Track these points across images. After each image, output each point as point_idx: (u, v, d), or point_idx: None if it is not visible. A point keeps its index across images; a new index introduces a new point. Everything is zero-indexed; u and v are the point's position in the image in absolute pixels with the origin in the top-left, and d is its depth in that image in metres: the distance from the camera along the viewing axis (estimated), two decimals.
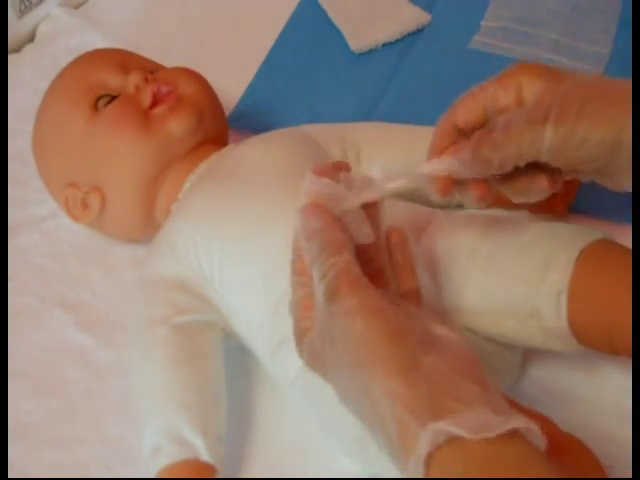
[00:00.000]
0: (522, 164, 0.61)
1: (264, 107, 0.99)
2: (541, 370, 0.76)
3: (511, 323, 0.68)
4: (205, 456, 0.69)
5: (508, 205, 0.85)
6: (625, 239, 0.68)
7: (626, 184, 0.61)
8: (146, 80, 0.84)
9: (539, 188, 0.63)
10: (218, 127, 0.87)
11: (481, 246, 0.70)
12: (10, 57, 1.08)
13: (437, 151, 0.64)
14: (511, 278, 0.68)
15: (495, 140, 0.60)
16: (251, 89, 1.02)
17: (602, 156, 0.59)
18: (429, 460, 0.50)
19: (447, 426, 0.49)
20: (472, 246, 0.71)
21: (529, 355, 0.76)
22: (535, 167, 0.62)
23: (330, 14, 1.07)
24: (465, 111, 0.64)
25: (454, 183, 0.64)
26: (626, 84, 0.60)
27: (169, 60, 0.91)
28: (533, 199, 0.64)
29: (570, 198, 0.84)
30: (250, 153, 0.80)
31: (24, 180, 0.96)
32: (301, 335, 0.58)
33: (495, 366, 0.66)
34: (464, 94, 0.64)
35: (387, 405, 0.52)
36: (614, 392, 0.73)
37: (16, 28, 1.10)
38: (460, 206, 0.84)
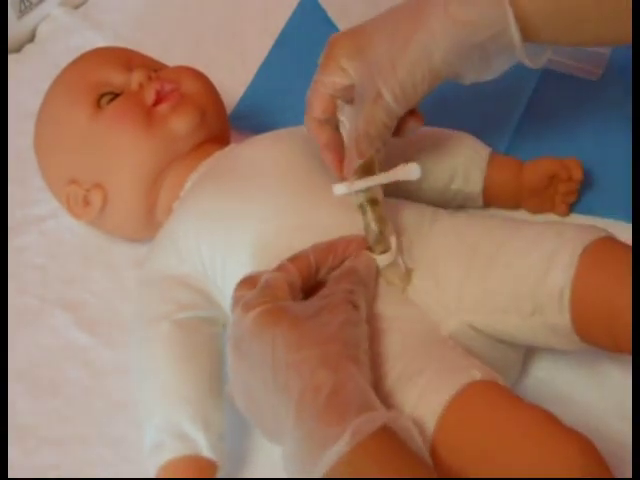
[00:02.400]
0: (392, 129, 0.71)
1: (264, 107, 0.99)
2: (542, 370, 0.76)
3: (514, 320, 0.68)
4: (206, 452, 0.69)
5: (508, 205, 0.86)
6: (625, 239, 0.68)
7: (466, 82, 0.72)
8: (149, 78, 0.84)
9: (413, 127, 0.73)
10: (220, 126, 0.87)
11: (483, 244, 0.71)
12: (10, 57, 1.08)
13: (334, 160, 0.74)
14: (514, 275, 0.68)
15: (365, 133, 0.70)
16: (251, 89, 1.02)
17: (431, 83, 0.69)
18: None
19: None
20: (474, 244, 0.71)
21: (530, 355, 0.76)
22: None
23: (330, 14, 1.07)
24: (319, 106, 0.73)
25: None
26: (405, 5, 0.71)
27: (169, 60, 0.91)
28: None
29: (571, 198, 0.84)
30: (252, 152, 0.80)
31: (24, 180, 0.96)
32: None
33: (497, 365, 0.66)
34: (309, 92, 0.75)
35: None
36: (615, 392, 0.73)
37: (16, 28, 1.10)
38: (461, 206, 0.84)
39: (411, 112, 0.72)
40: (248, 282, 0.67)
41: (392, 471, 0.55)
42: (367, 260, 0.69)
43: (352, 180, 0.71)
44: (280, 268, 0.67)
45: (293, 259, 0.67)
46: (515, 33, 0.66)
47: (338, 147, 0.74)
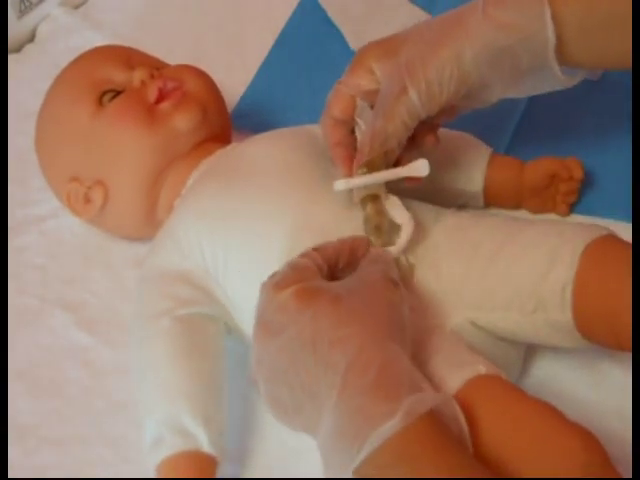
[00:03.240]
0: (410, 133, 0.71)
1: (264, 106, 0.99)
2: (542, 369, 0.76)
3: (516, 317, 0.69)
4: (207, 447, 0.69)
5: (509, 205, 0.86)
6: (625, 239, 0.68)
7: (492, 98, 0.72)
8: (152, 76, 0.84)
9: (428, 143, 0.74)
10: (222, 124, 0.87)
11: (485, 242, 0.71)
12: (10, 57, 1.08)
13: (341, 157, 0.73)
14: (516, 272, 0.69)
15: (382, 130, 0.70)
16: (251, 89, 1.02)
17: (458, 86, 0.69)
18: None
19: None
20: (476, 242, 0.71)
21: (530, 354, 0.76)
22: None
23: (330, 14, 1.07)
24: (338, 106, 0.73)
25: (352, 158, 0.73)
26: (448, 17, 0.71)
27: (169, 60, 0.91)
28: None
29: (572, 198, 0.84)
30: (254, 150, 0.80)
31: (24, 180, 0.96)
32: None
33: (498, 363, 0.66)
34: (331, 92, 0.74)
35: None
36: (615, 392, 0.73)
37: (16, 28, 1.10)
38: (463, 206, 0.84)
39: (431, 128, 0.72)
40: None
41: (437, 456, 0.55)
42: (386, 251, 0.69)
43: (356, 175, 0.71)
44: (306, 254, 0.66)
45: (317, 248, 0.66)
46: (551, 35, 0.67)
47: (349, 146, 0.74)
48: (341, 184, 0.71)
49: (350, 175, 0.72)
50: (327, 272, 0.66)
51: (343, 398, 0.57)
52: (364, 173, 0.71)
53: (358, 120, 0.73)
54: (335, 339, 0.59)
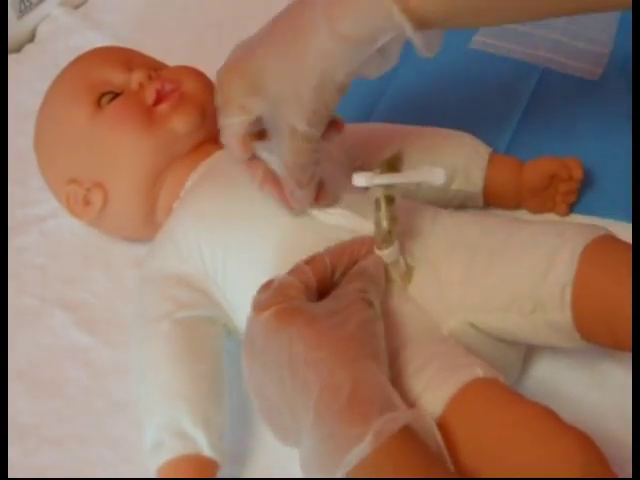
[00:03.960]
0: (318, 145, 0.69)
1: None
2: (542, 370, 0.76)
3: (515, 318, 0.69)
4: (207, 451, 0.69)
5: (509, 205, 0.86)
6: (625, 239, 0.68)
7: (376, 73, 0.70)
8: (150, 78, 0.84)
9: (333, 136, 0.72)
10: None
11: (484, 243, 0.71)
12: (10, 57, 1.08)
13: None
14: (515, 273, 0.69)
15: (295, 164, 0.69)
16: None
17: (338, 96, 0.68)
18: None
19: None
20: (475, 243, 0.71)
21: (530, 355, 0.76)
22: None
23: None
24: (236, 149, 0.72)
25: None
26: None
27: (169, 60, 0.91)
28: None
29: (571, 198, 0.84)
30: None
31: (24, 180, 0.96)
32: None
33: (497, 364, 0.66)
34: (222, 138, 0.73)
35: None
36: (615, 392, 0.73)
37: (16, 28, 1.10)
38: (462, 206, 0.84)
39: (330, 122, 0.70)
40: (267, 287, 0.67)
41: (412, 473, 0.55)
42: (376, 258, 0.69)
43: (375, 173, 0.69)
44: (295, 270, 0.67)
45: (309, 261, 0.67)
46: (410, 33, 0.63)
47: (276, 180, 0.72)
48: (361, 179, 0.69)
49: (291, 208, 0.72)
50: (317, 286, 0.66)
51: (317, 422, 0.58)
52: (382, 172, 0.69)
53: (263, 155, 0.72)
54: (310, 361, 0.60)
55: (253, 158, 0.72)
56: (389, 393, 0.59)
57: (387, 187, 0.69)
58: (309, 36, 0.66)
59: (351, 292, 0.65)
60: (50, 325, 0.85)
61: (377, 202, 0.70)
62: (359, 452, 0.55)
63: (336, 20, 0.64)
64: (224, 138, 0.72)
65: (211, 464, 0.69)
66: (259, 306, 0.64)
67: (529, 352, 0.75)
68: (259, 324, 0.63)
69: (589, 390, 0.74)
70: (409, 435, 0.56)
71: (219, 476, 0.70)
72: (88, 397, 0.80)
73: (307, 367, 0.59)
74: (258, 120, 0.70)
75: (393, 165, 0.70)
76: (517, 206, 0.86)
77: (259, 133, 0.71)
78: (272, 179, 0.72)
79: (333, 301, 0.65)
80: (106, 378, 0.81)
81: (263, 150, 0.71)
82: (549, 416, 0.59)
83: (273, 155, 0.71)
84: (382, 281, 0.69)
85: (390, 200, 0.70)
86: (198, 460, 0.69)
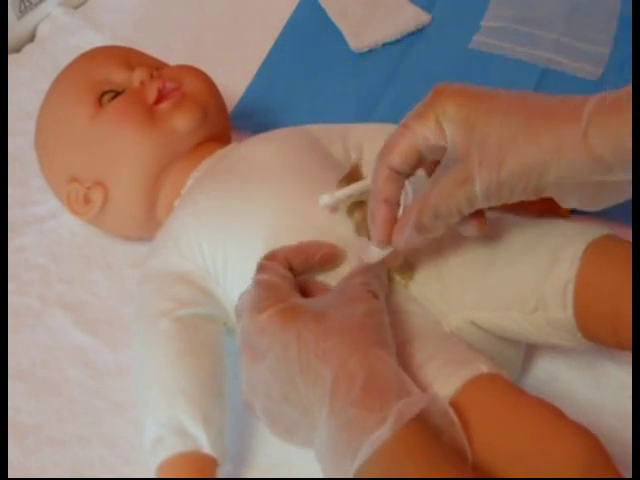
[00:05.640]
0: (464, 217, 0.64)
1: (264, 107, 0.99)
2: (542, 370, 0.76)
3: (517, 316, 0.69)
4: (207, 448, 0.69)
5: (510, 208, 0.85)
6: (625, 239, 0.68)
7: (574, 206, 0.63)
8: (151, 76, 0.84)
9: (471, 232, 0.66)
10: (221, 125, 0.87)
11: (487, 242, 0.71)
12: (10, 57, 1.08)
13: (382, 225, 0.66)
14: (518, 271, 0.69)
15: (433, 207, 0.62)
16: (251, 89, 1.02)
17: (530, 196, 0.62)
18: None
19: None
20: (477, 242, 0.71)
21: (530, 355, 0.76)
22: None
23: (330, 14, 1.07)
24: (399, 155, 0.64)
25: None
26: (541, 99, 0.62)
27: (169, 60, 0.91)
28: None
29: None
30: (253, 150, 0.81)
31: (24, 180, 0.96)
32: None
33: (498, 363, 0.66)
34: (394, 134, 0.65)
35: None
36: (614, 392, 0.73)
37: (16, 28, 1.10)
38: None
39: (477, 214, 0.65)
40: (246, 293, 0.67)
41: (431, 459, 0.55)
42: (370, 265, 0.69)
43: (337, 188, 0.71)
44: (265, 268, 0.66)
45: (269, 257, 0.67)
46: None
47: (394, 207, 0.66)
48: (325, 198, 0.71)
49: (381, 241, 0.66)
50: (292, 278, 0.67)
51: (333, 412, 0.58)
52: (344, 186, 0.71)
53: (407, 185, 0.67)
54: (320, 352, 0.59)
55: (396, 174, 0.65)
56: (403, 379, 0.59)
57: (351, 197, 0.71)
58: (558, 121, 0.59)
59: (355, 285, 0.65)
60: (50, 325, 0.85)
61: (349, 212, 0.72)
62: (380, 436, 0.55)
63: (593, 124, 0.58)
64: (395, 137, 0.64)
65: (210, 461, 0.69)
66: (255, 307, 0.63)
67: (529, 352, 0.75)
68: (259, 325, 0.63)
69: (589, 389, 0.74)
70: (424, 421, 0.56)
71: (219, 475, 0.70)
72: (88, 397, 0.80)
73: (318, 359, 0.59)
74: (437, 151, 0.63)
75: (353, 176, 0.71)
76: (517, 207, 0.85)
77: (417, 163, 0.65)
78: (392, 204, 0.66)
79: (336, 295, 0.65)
80: (106, 378, 0.81)
81: (408, 181, 0.66)
82: (553, 413, 0.60)
83: (411, 185, 0.66)
84: (384, 277, 0.69)
85: (360, 205, 0.71)
86: (197, 457, 0.69)
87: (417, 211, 0.64)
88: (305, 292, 0.68)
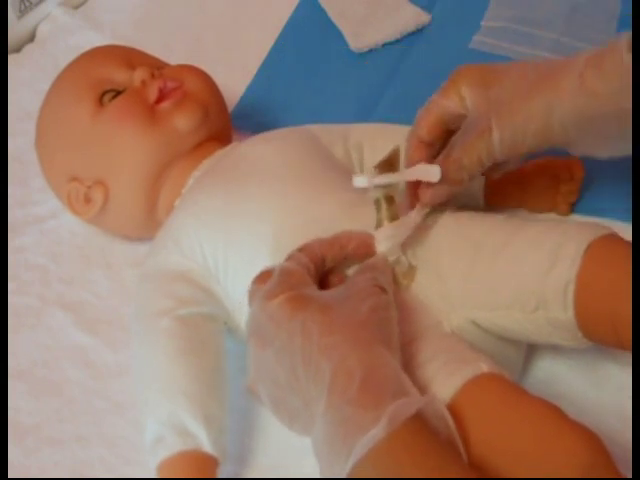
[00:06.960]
0: (482, 171, 0.71)
1: (264, 107, 0.99)
2: (542, 370, 0.76)
3: (518, 316, 0.69)
4: (207, 447, 0.69)
5: (510, 205, 0.85)
6: (625, 239, 0.68)
7: (583, 151, 0.71)
8: (152, 76, 0.84)
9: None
10: (222, 124, 0.87)
11: (486, 241, 0.71)
12: (10, 57, 1.08)
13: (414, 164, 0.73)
14: (518, 271, 0.69)
15: (458, 160, 0.70)
16: (251, 89, 1.02)
17: (541, 141, 0.69)
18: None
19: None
20: (477, 241, 0.71)
21: (530, 355, 0.76)
22: None
23: (330, 14, 1.07)
24: (426, 125, 0.73)
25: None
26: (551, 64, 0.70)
27: (169, 60, 0.91)
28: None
29: (572, 198, 0.84)
30: (254, 150, 0.81)
31: (24, 180, 0.96)
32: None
33: (499, 362, 0.66)
34: (421, 109, 0.74)
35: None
36: (614, 392, 0.73)
37: (16, 28, 1.10)
38: (463, 205, 0.84)
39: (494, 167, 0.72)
40: (264, 276, 0.67)
41: (425, 458, 0.55)
42: (382, 256, 0.70)
43: (373, 174, 0.69)
44: (291, 257, 0.67)
45: (301, 249, 0.68)
46: None
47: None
48: (361, 181, 0.69)
49: (412, 204, 0.72)
50: (315, 271, 0.67)
51: (330, 407, 0.58)
52: (380, 173, 0.69)
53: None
54: (323, 346, 0.60)
55: (425, 143, 0.73)
56: (402, 379, 0.59)
57: (386, 187, 0.70)
58: (559, 74, 0.67)
59: (363, 280, 0.65)
60: (50, 325, 0.85)
61: (377, 202, 0.70)
62: (373, 436, 0.55)
63: (588, 70, 0.66)
64: (422, 111, 0.73)
65: (211, 461, 0.69)
66: (267, 294, 0.63)
67: (530, 351, 0.75)
68: (268, 312, 0.63)
69: (589, 389, 0.74)
70: (421, 421, 0.56)
71: (220, 474, 0.70)
72: (88, 397, 0.80)
73: (320, 353, 0.59)
74: (459, 118, 0.71)
75: (391, 164, 0.70)
76: (518, 206, 0.86)
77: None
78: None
79: (345, 288, 0.65)
80: (106, 378, 0.81)
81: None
82: (555, 413, 0.60)
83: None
84: (390, 276, 0.69)
85: (390, 200, 0.70)
86: (198, 456, 0.69)
87: (442, 164, 0.70)
88: (326, 284, 0.68)
